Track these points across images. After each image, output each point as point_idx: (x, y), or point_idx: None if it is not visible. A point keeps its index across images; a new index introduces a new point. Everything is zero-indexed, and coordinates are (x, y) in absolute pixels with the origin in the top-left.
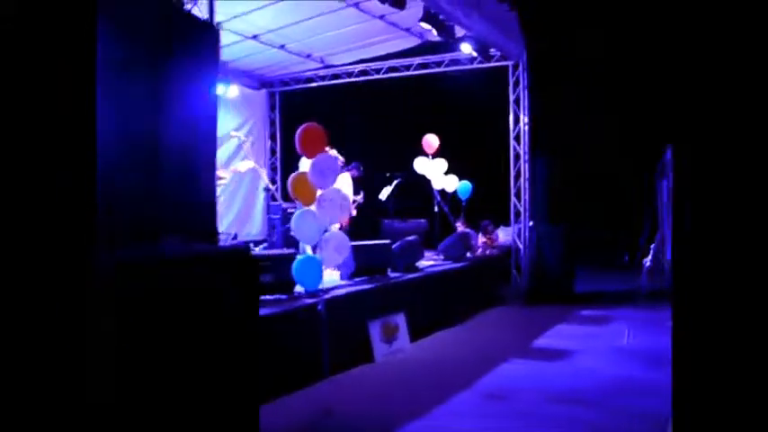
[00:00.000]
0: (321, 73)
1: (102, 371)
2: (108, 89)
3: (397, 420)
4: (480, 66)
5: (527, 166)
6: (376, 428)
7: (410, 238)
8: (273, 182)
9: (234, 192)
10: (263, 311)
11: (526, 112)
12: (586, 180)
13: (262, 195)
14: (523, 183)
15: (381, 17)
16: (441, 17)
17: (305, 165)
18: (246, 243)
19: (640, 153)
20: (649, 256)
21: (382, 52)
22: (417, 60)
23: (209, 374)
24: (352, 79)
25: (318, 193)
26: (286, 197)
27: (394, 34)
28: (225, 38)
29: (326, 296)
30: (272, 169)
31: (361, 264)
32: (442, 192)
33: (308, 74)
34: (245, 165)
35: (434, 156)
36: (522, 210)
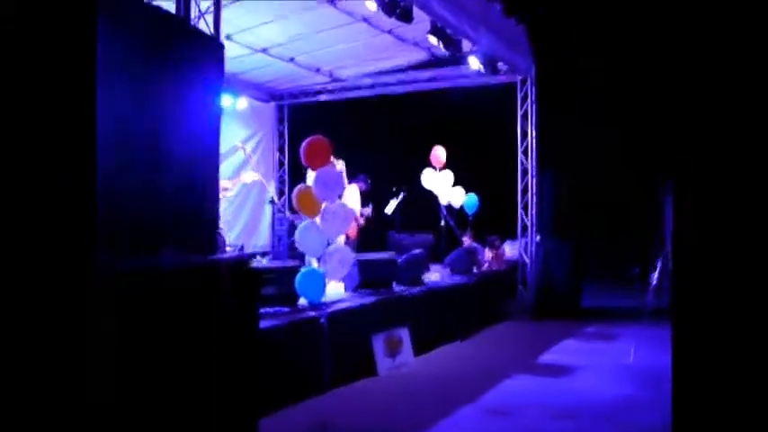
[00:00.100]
0: (330, 86)
1: (102, 371)
2: (107, 97)
3: None
4: (488, 80)
5: (534, 180)
6: None
7: (416, 251)
8: (282, 194)
9: (241, 204)
10: (265, 323)
11: (534, 127)
12: (594, 195)
13: (269, 207)
14: (531, 197)
15: (390, 31)
16: (448, 31)
17: (312, 178)
18: (251, 255)
19: (648, 168)
20: (655, 273)
21: (391, 66)
22: (426, 74)
23: (206, 385)
24: (361, 93)
25: (323, 205)
26: (293, 209)
27: (403, 48)
28: (235, 50)
29: (329, 309)
30: (281, 182)
31: (366, 277)
32: (449, 206)
33: (317, 87)
34: (250, 176)
35: (442, 169)
36: (529, 224)
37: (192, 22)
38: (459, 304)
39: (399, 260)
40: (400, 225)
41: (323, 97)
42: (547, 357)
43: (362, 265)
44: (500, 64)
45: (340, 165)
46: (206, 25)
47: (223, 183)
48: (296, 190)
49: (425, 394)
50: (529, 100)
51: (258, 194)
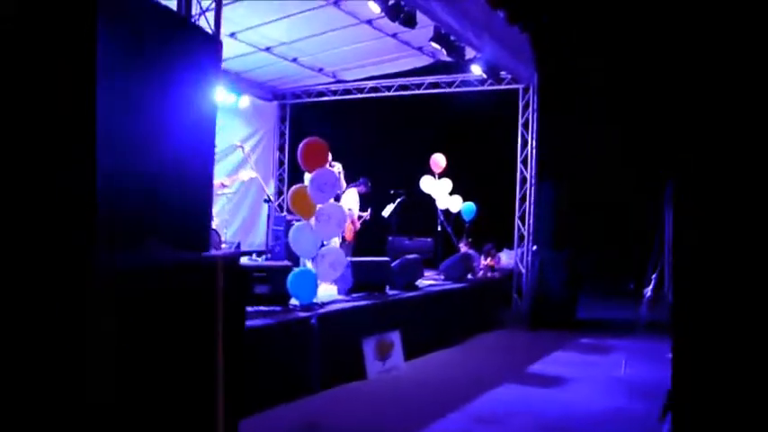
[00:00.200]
0: (333, 87)
1: (102, 370)
2: (106, 95)
3: None
4: (490, 88)
5: (533, 189)
6: None
7: (410, 256)
8: (280, 193)
9: (239, 201)
10: (255, 322)
11: (534, 136)
12: (593, 206)
13: (266, 206)
14: (529, 207)
15: (394, 35)
16: (451, 37)
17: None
18: (246, 253)
19: (648, 180)
20: (650, 286)
21: (394, 70)
22: (428, 80)
23: (185, 382)
24: (363, 95)
25: (318, 207)
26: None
27: (406, 53)
28: (238, 48)
29: (321, 310)
30: (280, 180)
31: (359, 280)
32: (446, 212)
33: (320, 88)
34: (246, 174)
35: (441, 175)
36: (525, 234)
37: (193, 20)
38: (453, 310)
39: (393, 264)
40: (397, 229)
41: (325, 98)
42: (539, 367)
43: (356, 268)
44: (503, 72)
45: (337, 168)
46: (206, 23)
47: (222, 180)
48: (291, 190)
49: (414, 399)
50: (530, 108)
51: (256, 193)
